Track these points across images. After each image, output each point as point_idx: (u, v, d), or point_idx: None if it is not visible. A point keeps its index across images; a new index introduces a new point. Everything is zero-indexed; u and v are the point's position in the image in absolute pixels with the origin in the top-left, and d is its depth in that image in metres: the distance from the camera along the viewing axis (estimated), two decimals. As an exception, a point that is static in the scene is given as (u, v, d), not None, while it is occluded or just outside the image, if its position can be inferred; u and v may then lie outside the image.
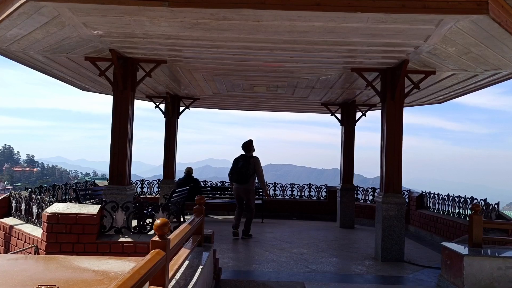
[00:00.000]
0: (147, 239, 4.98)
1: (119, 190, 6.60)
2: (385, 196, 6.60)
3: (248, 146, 8.29)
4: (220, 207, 10.95)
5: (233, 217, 8.51)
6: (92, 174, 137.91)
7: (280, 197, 11.91)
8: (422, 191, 9.76)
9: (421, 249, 7.63)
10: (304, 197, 12.03)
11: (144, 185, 11.79)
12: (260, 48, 5.88)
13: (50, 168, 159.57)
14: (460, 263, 4.78)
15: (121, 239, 5.02)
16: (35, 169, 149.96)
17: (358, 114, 10.55)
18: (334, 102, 10.30)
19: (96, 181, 10.51)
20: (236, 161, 8.21)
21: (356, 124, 10.52)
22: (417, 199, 9.73)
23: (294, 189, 12.00)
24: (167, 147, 10.45)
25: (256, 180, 8.33)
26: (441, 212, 8.59)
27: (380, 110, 7.07)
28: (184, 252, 3.98)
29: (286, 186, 11.98)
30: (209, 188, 11.03)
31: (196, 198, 4.79)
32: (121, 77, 6.60)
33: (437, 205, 8.88)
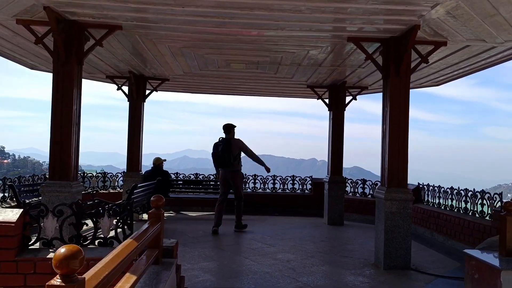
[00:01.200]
0: (89, 254, 3.72)
1: (61, 187, 5.28)
2: (388, 191, 5.52)
3: (229, 127, 7.68)
4: (194, 202, 9.73)
5: (209, 213, 8.01)
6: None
7: (260, 190, 10.68)
8: (418, 183, 8.66)
9: (424, 251, 6.59)
10: (287, 190, 10.80)
11: (107, 178, 10.40)
12: (237, 6, 4.62)
13: (22, 159, 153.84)
14: (496, 280, 3.69)
15: (51, 255, 3.74)
16: (5, 161, 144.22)
17: (348, 98, 9.32)
18: (322, 84, 9.06)
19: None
20: (216, 146, 7.59)
21: (346, 108, 9.27)
22: (414, 192, 8.16)
23: (276, 181, 10.76)
24: (131, 135, 9.00)
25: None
26: (442, 207, 7.59)
27: (382, 89, 5.95)
28: (129, 277, 2.76)
29: (268, 178, 10.68)
30: (181, 182, 9.75)
31: (152, 199, 3.55)
32: (63, 45, 5.23)
33: (437, 199, 7.88)
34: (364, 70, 7.56)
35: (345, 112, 9.30)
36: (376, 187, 6.07)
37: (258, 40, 6.06)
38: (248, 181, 10.33)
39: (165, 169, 9.18)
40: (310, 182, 10.87)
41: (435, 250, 6.68)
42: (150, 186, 7.64)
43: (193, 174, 10.36)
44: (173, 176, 9.95)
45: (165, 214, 7.48)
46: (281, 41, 6.08)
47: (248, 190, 10.34)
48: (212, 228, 7.39)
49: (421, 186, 8.60)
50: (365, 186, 10.15)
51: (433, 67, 7.07)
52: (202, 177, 10.17)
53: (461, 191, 7.07)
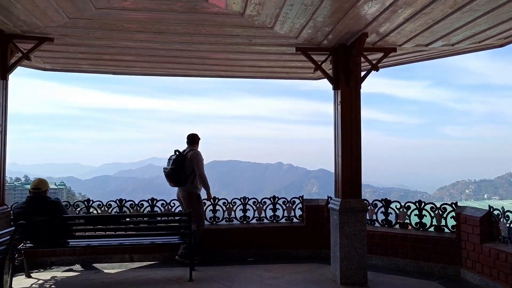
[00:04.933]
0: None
1: None
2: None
3: (192, 138, 6.50)
4: (116, 250, 6.25)
5: (144, 264, 6.23)
6: (23, 179, 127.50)
7: (224, 222, 6.81)
8: (490, 206, 5.27)
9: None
10: (265, 220, 6.96)
11: None
12: None
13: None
14: None
15: None
16: None
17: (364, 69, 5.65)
18: (321, 43, 5.30)
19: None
20: (169, 159, 6.34)
21: (363, 83, 5.37)
22: (483, 222, 5.17)
23: (248, 206, 6.86)
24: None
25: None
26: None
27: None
28: None
29: (234, 202, 6.87)
30: (83, 221, 5.41)
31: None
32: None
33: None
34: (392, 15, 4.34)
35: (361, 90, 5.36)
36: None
37: None
38: (206, 206, 6.70)
39: (55, 199, 5.50)
40: (300, 206, 7.00)
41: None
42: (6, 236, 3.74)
43: (115, 202, 6.63)
44: (82, 206, 6.52)
45: (61, 274, 5.57)
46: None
47: (206, 222, 6.63)
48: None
49: (494, 213, 5.17)
50: (389, 210, 6.29)
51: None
52: (163, 204, 6.75)
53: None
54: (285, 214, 6.98)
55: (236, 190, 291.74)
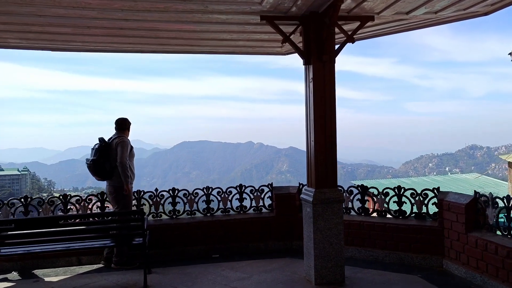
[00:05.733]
0: None
1: None
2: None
3: (122, 122, 5.61)
4: (61, 253, 5.41)
5: (94, 267, 5.46)
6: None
7: (185, 215, 6.10)
8: (476, 192, 4.76)
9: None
10: (231, 212, 6.24)
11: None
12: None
13: None
14: None
15: None
16: None
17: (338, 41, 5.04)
18: (289, 11, 4.54)
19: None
20: (92, 149, 5.45)
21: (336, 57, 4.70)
22: (468, 209, 4.69)
23: (211, 196, 6.13)
24: None
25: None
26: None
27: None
28: None
29: (197, 193, 6.11)
30: (13, 225, 4.54)
31: None
32: None
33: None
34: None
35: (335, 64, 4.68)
36: (303, 189, 5.18)
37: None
38: (161, 200, 5.95)
39: None
40: (269, 195, 6.30)
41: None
42: None
43: (44, 198, 5.82)
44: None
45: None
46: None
47: (164, 216, 6.03)
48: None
49: (481, 197, 4.69)
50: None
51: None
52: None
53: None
54: (253, 204, 6.31)
55: (207, 170, 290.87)
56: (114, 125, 5.66)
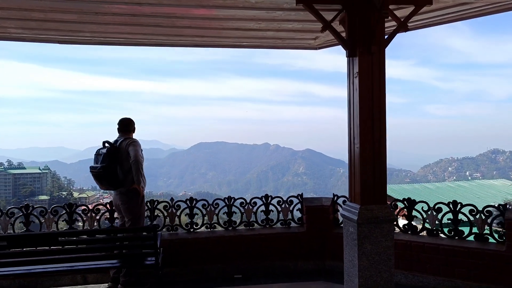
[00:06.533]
0: None
1: None
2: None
3: (128, 123, 4.98)
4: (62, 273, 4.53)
5: (101, 287, 4.84)
6: (6, 163, 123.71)
7: (204, 229, 5.40)
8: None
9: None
10: (255, 225, 5.50)
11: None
12: None
13: None
14: None
15: None
16: None
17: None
18: None
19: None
20: (96, 154, 4.78)
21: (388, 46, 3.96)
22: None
23: (233, 208, 5.37)
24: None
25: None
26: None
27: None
28: None
29: (217, 203, 5.39)
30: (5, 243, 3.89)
31: None
32: None
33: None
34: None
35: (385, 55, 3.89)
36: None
37: None
38: (177, 211, 5.28)
39: None
40: (299, 206, 5.56)
41: None
42: None
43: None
44: (62, 211, 5.13)
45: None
46: None
47: (180, 230, 5.36)
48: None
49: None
50: (413, 212, 4.95)
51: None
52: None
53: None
54: (281, 217, 5.56)
55: (224, 171, 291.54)
56: (118, 126, 4.98)
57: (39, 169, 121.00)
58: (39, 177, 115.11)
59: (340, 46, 4.09)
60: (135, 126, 5.08)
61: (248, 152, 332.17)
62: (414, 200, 4.94)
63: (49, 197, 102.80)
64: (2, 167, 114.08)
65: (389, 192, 22.16)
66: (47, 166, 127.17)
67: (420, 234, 4.95)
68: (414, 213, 4.96)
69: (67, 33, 5.12)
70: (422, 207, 4.90)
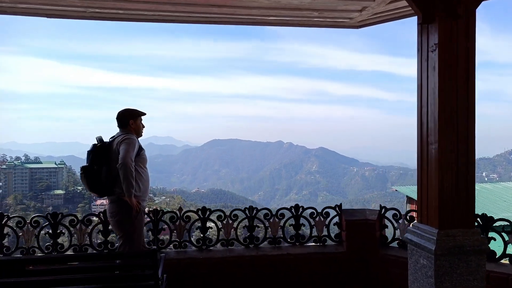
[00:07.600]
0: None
1: None
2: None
3: (123, 116, 4.02)
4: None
5: None
6: (23, 158, 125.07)
7: (220, 246, 4.43)
8: None
9: None
10: (282, 243, 4.45)
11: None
12: None
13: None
14: None
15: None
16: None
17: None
18: None
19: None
20: (88, 153, 3.83)
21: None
22: None
23: (255, 221, 4.35)
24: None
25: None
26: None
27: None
28: None
29: (236, 214, 4.35)
30: None
31: None
32: None
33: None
34: None
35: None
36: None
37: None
38: (186, 224, 4.32)
39: None
40: (337, 220, 4.57)
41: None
42: None
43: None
44: (44, 222, 4.20)
45: None
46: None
47: (189, 247, 4.35)
48: None
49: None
50: (489, 233, 3.77)
51: None
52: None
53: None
54: (314, 232, 4.49)
55: (237, 168, 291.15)
56: (116, 121, 4.00)
57: (55, 163, 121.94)
58: (55, 171, 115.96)
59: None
60: (140, 120, 4.06)
61: (261, 149, 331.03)
62: (491, 218, 3.79)
63: (64, 192, 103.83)
64: (19, 161, 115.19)
65: (407, 193, 20.76)
66: (63, 161, 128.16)
67: (500, 261, 3.81)
68: (491, 233, 3.81)
69: (55, 2, 4.10)
70: (503, 226, 3.77)
